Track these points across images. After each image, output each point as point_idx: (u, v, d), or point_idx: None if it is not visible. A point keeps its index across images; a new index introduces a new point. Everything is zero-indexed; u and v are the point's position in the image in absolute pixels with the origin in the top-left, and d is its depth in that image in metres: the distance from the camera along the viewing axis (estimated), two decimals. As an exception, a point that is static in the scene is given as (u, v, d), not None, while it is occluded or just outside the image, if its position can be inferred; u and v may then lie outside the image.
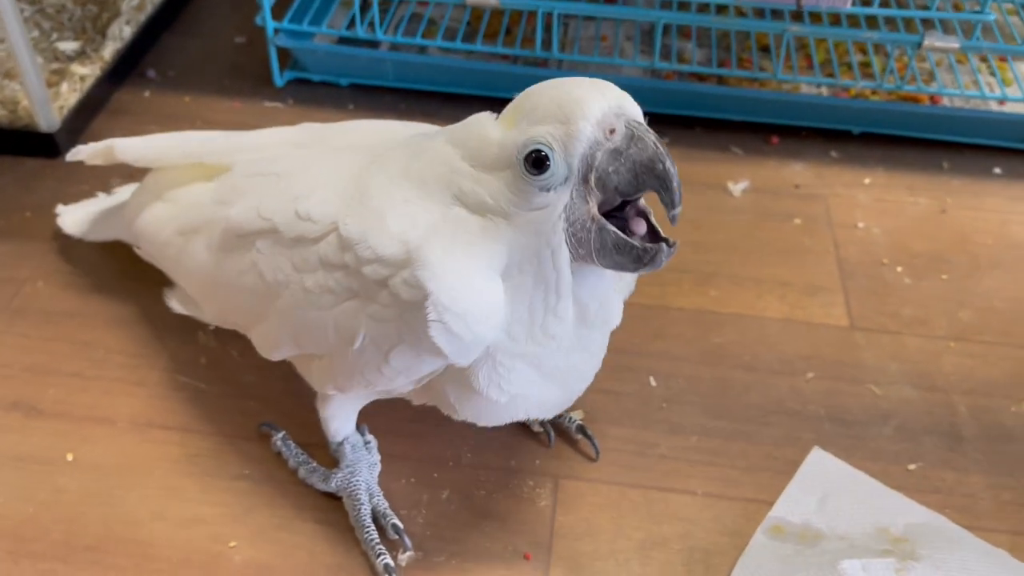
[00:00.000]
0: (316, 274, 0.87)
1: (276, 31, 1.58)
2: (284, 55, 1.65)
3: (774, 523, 1.00)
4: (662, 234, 0.81)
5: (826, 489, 1.04)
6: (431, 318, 0.78)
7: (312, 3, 1.66)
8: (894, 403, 1.15)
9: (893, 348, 1.22)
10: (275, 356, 0.98)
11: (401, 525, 0.97)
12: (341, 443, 1.02)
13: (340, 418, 1.01)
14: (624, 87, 0.81)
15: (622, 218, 0.82)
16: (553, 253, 0.80)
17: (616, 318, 0.90)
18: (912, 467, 1.07)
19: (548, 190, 0.78)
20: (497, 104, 0.86)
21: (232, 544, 0.97)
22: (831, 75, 1.63)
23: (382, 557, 0.95)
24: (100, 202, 1.33)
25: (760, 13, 1.63)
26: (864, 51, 1.71)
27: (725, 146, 1.57)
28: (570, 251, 0.80)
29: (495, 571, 0.96)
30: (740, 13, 1.53)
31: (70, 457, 1.05)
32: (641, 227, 0.81)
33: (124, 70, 1.65)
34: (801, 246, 1.37)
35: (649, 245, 0.79)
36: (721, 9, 1.49)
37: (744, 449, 1.09)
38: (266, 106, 1.61)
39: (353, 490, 0.99)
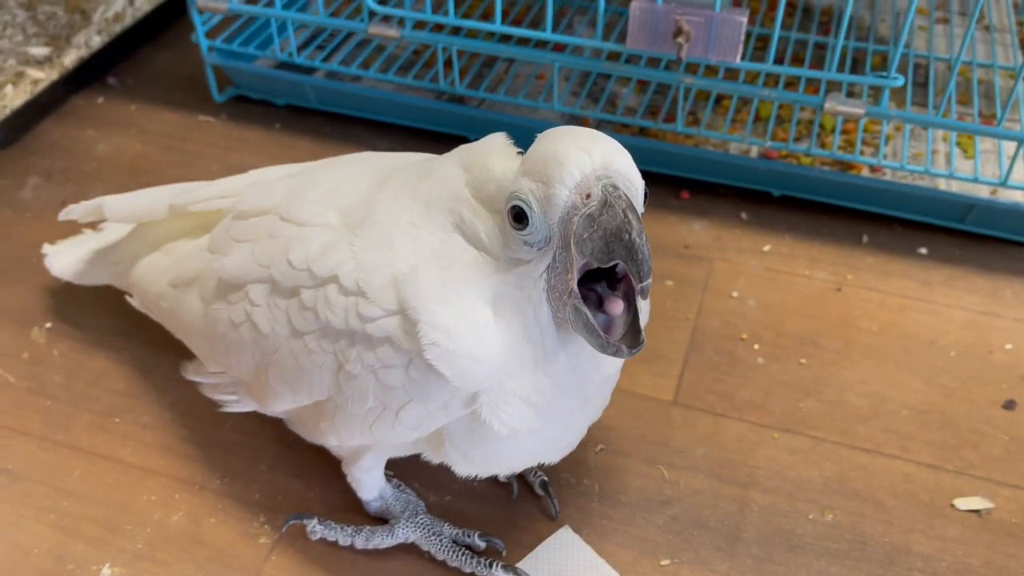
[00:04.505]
0: (316, 336, 0.84)
1: (210, 49, 1.65)
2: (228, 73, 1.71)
3: (483, 600, 0.95)
4: (641, 323, 0.78)
5: (555, 574, 0.97)
6: (424, 342, 0.77)
7: (254, 24, 1.71)
8: (680, 490, 1.06)
9: (709, 431, 1.13)
10: (274, 408, 0.95)
11: (481, 540, 0.98)
12: (379, 495, 1.01)
13: (376, 469, 0.99)
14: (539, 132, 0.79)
15: (605, 293, 0.79)
16: (535, 311, 0.78)
17: (610, 366, 0.86)
18: (665, 562, 0.99)
19: (531, 246, 0.76)
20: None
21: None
22: (765, 133, 1.53)
23: (494, 568, 0.96)
24: (89, 241, 1.25)
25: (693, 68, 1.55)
26: (813, 112, 1.59)
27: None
28: (552, 313, 0.79)
29: (189, 601, 0.96)
30: (668, 66, 1.46)
31: None
32: (616, 308, 0.78)
33: (88, 77, 1.76)
34: (661, 309, 1.29)
35: (614, 343, 0.76)
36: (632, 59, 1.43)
37: (495, 514, 1.03)
38: (199, 119, 1.68)
39: (424, 530, 0.99)
